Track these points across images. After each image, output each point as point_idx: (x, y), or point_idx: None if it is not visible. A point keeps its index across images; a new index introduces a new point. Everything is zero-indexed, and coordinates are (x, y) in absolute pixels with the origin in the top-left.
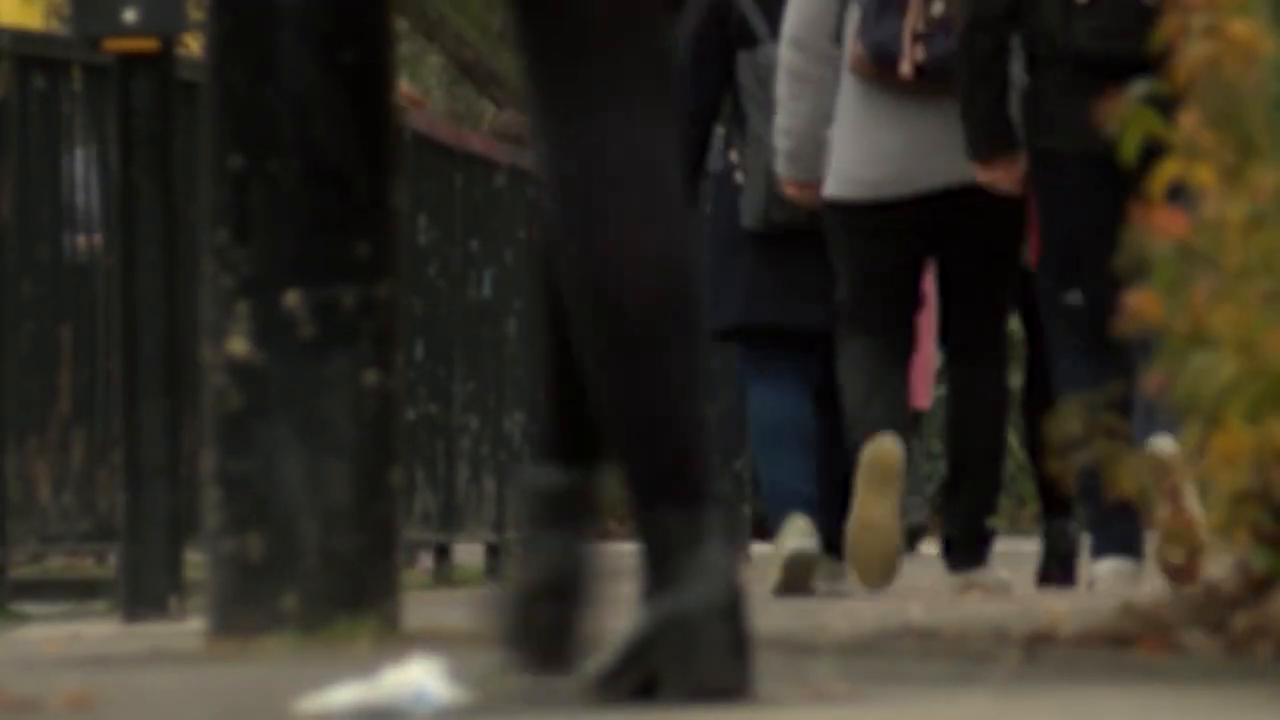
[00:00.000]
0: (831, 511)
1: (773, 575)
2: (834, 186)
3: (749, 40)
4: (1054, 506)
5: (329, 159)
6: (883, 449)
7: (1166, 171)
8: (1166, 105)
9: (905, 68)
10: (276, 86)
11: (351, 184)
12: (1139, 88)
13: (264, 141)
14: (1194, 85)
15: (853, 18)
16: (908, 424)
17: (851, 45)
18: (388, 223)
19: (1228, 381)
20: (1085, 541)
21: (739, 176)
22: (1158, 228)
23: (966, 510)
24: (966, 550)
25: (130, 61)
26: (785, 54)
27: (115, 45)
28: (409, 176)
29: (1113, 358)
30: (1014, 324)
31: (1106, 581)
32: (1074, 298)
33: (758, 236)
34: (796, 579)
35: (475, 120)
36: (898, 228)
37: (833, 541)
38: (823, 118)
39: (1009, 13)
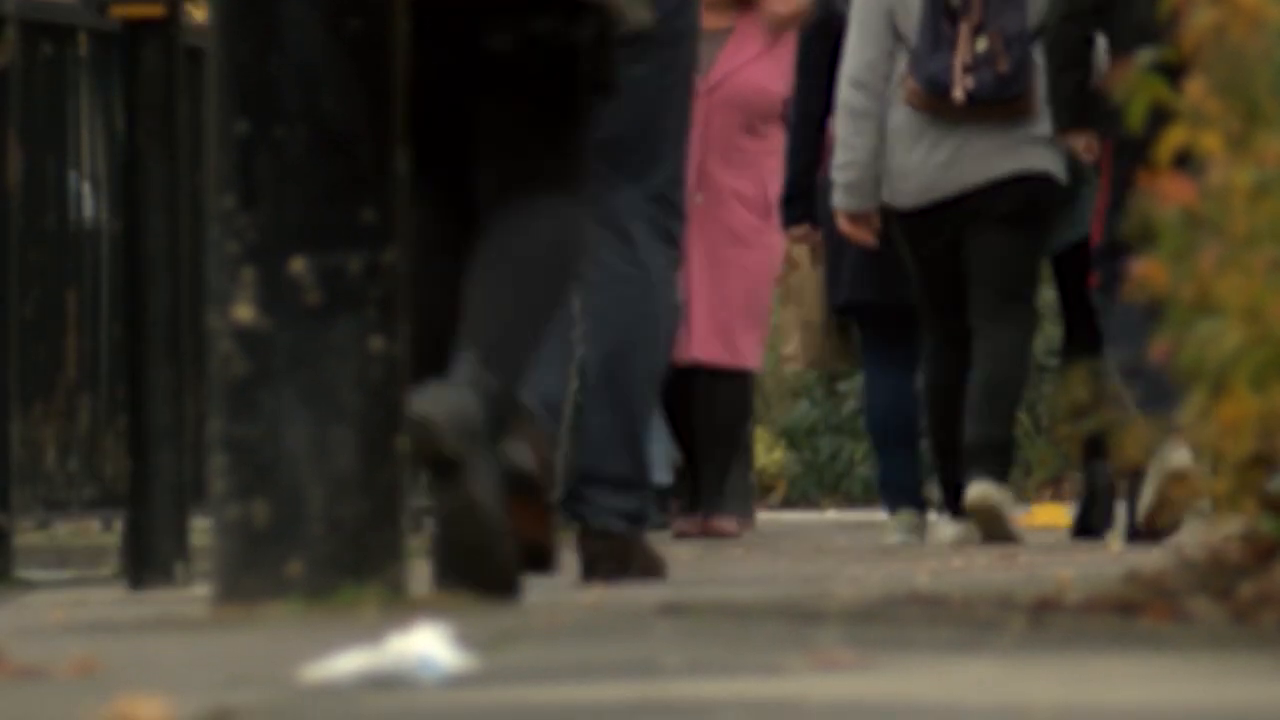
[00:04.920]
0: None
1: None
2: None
3: None
4: (1091, 450)
5: (335, 126)
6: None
7: (1173, 139)
8: (1173, 72)
9: (958, 94)
10: (282, 53)
11: (357, 150)
12: (1146, 55)
13: (270, 108)
14: (1201, 52)
15: (901, 59)
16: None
17: (905, 80)
18: (393, 189)
19: (1233, 349)
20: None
21: None
22: (1164, 195)
23: (985, 428)
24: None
25: (137, 28)
26: (847, 94)
27: (122, 11)
28: None
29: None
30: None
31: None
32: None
33: None
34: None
35: None
36: (945, 222)
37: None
38: (878, 151)
39: (1096, 8)
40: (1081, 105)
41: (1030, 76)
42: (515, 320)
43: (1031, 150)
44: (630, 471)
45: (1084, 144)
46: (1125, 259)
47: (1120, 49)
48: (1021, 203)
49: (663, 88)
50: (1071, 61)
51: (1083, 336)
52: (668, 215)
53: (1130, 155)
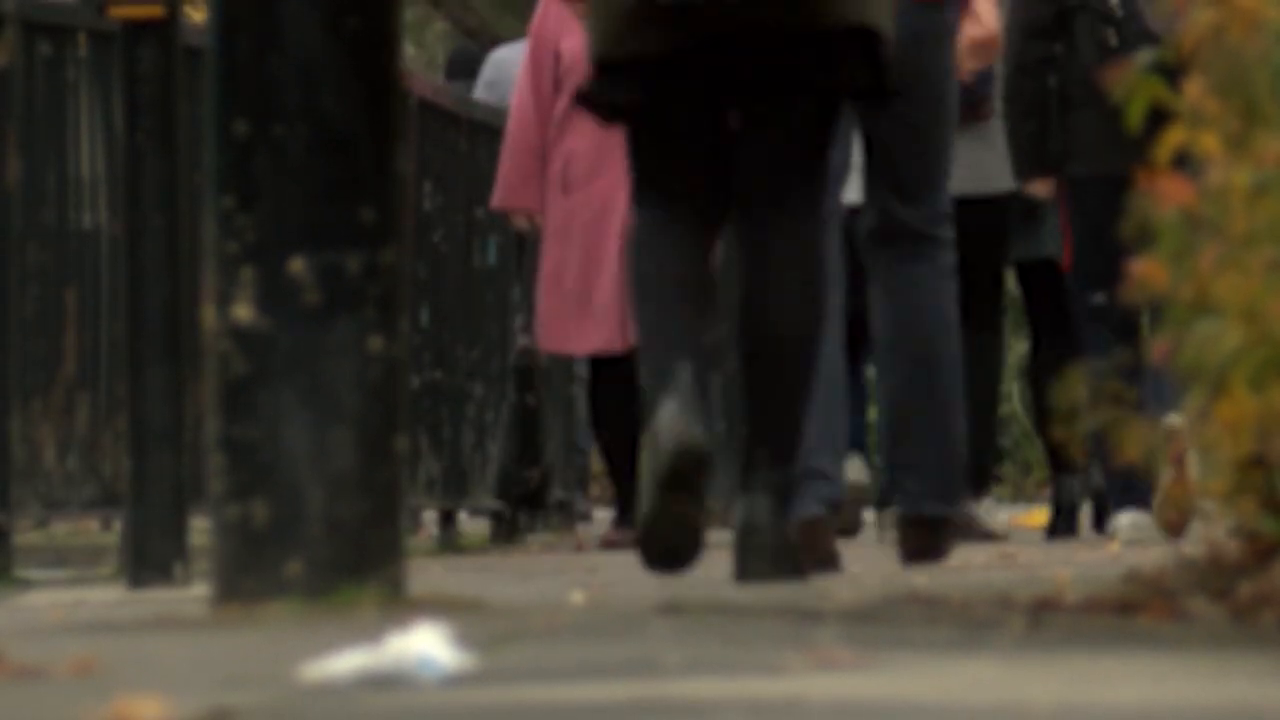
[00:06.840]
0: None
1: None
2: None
3: None
4: (1060, 464)
5: (334, 125)
6: None
7: (1172, 139)
8: (1172, 73)
9: None
10: (281, 53)
11: (356, 150)
12: (1144, 56)
13: (269, 107)
14: (1199, 53)
15: None
16: None
17: None
18: (392, 189)
19: (1232, 349)
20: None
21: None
22: (1163, 195)
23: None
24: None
25: (135, 28)
26: None
27: (120, 12)
28: (413, 142)
29: (1130, 337)
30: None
31: (1125, 532)
32: (1098, 299)
33: None
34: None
35: None
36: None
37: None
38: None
39: (1048, 58)
40: (1041, 153)
41: (989, 82)
42: (787, 404)
43: (991, 167)
44: (942, 461)
45: (1044, 189)
46: (1093, 291)
47: (1069, 96)
48: (988, 216)
49: (938, 121)
50: (1029, 111)
51: (1051, 347)
52: (933, 243)
53: (1084, 193)
